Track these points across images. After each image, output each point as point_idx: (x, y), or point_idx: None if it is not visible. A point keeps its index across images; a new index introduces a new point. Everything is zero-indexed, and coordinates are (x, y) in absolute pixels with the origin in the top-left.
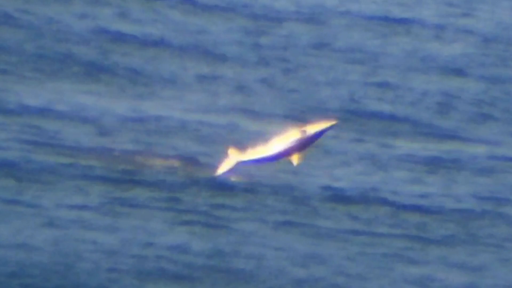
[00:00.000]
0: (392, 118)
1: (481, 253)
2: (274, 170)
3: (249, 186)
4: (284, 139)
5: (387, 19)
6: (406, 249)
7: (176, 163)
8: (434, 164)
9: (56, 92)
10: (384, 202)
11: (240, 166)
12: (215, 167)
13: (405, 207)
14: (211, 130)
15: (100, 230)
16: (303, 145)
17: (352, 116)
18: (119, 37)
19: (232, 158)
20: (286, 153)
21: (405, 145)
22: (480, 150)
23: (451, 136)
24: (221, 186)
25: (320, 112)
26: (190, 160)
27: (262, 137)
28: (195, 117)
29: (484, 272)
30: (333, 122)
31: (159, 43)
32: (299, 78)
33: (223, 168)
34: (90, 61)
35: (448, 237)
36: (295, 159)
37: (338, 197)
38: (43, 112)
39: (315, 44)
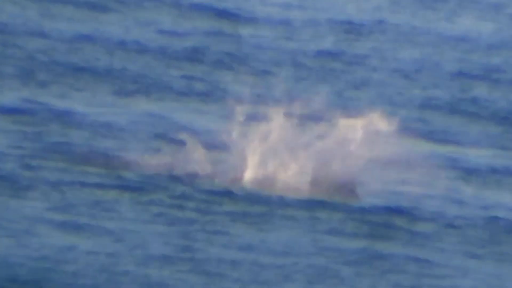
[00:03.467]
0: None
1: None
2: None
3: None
4: None
5: (358, 24)
6: (373, 248)
7: (154, 165)
8: (407, 164)
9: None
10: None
11: None
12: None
13: (374, 208)
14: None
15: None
16: None
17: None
18: (93, 39)
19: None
20: None
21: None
22: (457, 151)
23: (427, 137)
24: (205, 191)
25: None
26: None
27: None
28: (172, 119)
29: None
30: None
31: (130, 43)
32: (278, 80)
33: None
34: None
35: (409, 237)
36: None
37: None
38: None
39: (288, 46)
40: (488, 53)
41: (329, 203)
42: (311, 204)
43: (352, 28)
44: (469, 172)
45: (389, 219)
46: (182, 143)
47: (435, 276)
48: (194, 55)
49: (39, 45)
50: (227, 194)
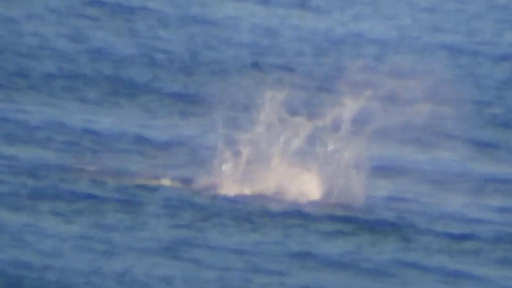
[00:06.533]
0: None
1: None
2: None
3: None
4: None
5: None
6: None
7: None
8: (398, 172)
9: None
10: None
11: None
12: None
13: (368, 217)
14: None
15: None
16: None
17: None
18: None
19: None
20: None
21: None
22: (442, 157)
23: (413, 145)
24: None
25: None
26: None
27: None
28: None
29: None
30: None
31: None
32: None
33: None
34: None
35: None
36: None
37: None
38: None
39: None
40: (473, 60)
41: (321, 212)
42: (301, 213)
43: (332, 38)
44: (457, 179)
45: (382, 226)
46: (168, 151)
47: (426, 281)
48: (176, 62)
49: (20, 52)
50: (215, 202)
